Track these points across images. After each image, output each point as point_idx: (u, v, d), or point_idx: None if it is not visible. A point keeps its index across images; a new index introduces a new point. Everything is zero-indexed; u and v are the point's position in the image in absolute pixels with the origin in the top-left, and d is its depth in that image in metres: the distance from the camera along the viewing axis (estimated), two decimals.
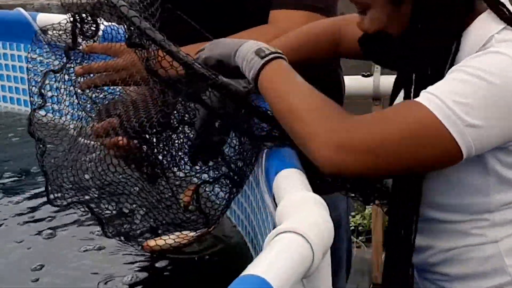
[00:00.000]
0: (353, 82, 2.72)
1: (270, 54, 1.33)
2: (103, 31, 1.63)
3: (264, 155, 1.35)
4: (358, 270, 3.38)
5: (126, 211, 1.56)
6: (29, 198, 1.96)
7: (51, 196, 1.55)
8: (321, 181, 1.42)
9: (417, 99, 1.24)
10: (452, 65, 1.27)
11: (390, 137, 1.23)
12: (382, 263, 3.26)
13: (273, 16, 1.85)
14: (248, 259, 1.63)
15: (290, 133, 1.28)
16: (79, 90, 1.59)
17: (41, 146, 1.55)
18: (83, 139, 1.56)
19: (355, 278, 3.28)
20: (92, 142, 1.53)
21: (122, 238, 1.55)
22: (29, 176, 2.14)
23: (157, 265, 1.61)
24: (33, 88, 1.60)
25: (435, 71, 1.28)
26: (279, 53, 1.35)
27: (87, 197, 1.54)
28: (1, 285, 1.56)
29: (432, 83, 1.25)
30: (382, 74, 2.84)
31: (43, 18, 2.65)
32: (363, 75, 2.89)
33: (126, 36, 1.37)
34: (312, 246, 0.96)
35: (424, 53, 1.30)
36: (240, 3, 1.90)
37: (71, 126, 1.62)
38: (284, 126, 1.29)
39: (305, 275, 0.96)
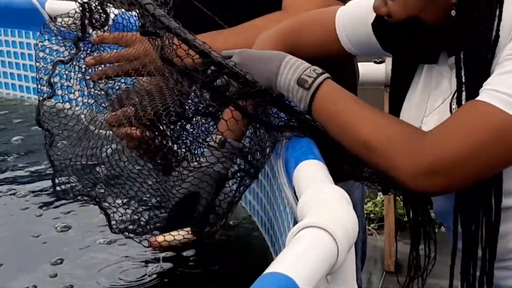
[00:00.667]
0: (365, 69, 2.67)
1: (314, 81, 1.28)
2: (113, 20, 1.59)
3: (283, 145, 1.31)
4: (370, 258, 3.37)
5: (136, 205, 1.54)
6: (39, 189, 1.94)
7: (58, 188, 1.53)
8: (338, 169, 1.39)
9: (482, 99, 1.19)
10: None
11: (473, 147, 1.19)
12: (395, 250, 3.26)
13: (287, 1, 1.81)
14: (263, 250, 1.62)
15: (369, 164, 1.29)
16: (90, 81, 1.56)
17: (49, 137, 1.53)
18: (94, 129, 1.53)
19: (368, 266, 3.26)
20: (104, 132, 1.51)
21: (129, 234, 1.53)
22: (38, 166, 2.12)
23: (172, 258, 1.58)
24: (42, 77, 1.57)
25: (484, 55, 1.23)
26: (322, 72, 1.30)
27: (95, 189, 1.52)
28: (23, 280, 1.54)
29: (484, 68, 1.22)
30: None
31: (52, 5, 2.63)
32: (375, 62, 2.85)
33: (139, 24, 1.34)
34: (337, 242, 0.93)
35: (472, 37, 1.24)
36: None
37: (82, 116, 1.59)
38: (359, 156, 1.28)
39: (330, 271, 0.93)
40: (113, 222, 1.52)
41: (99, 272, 1.57)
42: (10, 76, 2.75)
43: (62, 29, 1.61)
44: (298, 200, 1.07)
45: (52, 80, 1.53)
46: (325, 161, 1.20)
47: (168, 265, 1.57)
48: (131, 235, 1.51)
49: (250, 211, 1.78)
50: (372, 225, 3.68)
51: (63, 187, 1.52)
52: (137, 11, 1.38)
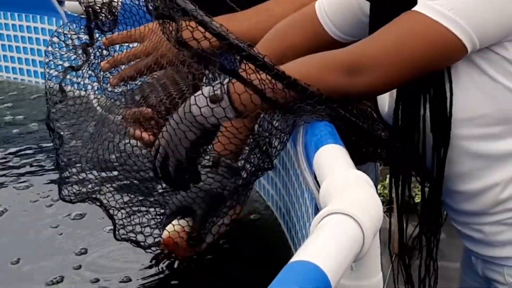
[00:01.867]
0: None
1: (221, 88, 1.27)
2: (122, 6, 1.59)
3: (301, 130, 1.29)
4: (380, 241, 3.35)
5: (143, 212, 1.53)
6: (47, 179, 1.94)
7: (63, 192, 1.51)
8: (357, 153, 1.37)
9: (412, 9, 1.23)
10: None
11: (391, 45, 1.23)
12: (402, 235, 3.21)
13: None
14: (279, 235, 1.61)
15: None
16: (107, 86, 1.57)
17: (57, 141, 1.52)
18: (107, 129, 1.52)
19: None
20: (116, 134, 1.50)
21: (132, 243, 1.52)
22: (43, 155, 2.11)
23: None
24: (50, 80, 1.56)
25: None
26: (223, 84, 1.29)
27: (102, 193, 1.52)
28: (51, 273, 1.53)
29: None
30: None
31: None
32: None
33: (153, 7, 1.32)
34: (363, 228, 0.90)
35: None
36: None
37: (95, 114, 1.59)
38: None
39: (355, 259, 0.91)
40: (118, 231, 1.52)
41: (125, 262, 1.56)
42: (18, 61, 2.73)
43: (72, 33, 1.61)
44: (319, 186, 1.05)
45: (63, 85, 1.53)
46: (345, 144, 1.18)
47: None
48: (134, 245, 1.51)
49: (265, 197, 1.76)
50: None
51: (68, 190, 1.52)
52: None
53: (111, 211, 1.52)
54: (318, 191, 1.04)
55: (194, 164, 1.38)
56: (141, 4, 1.49)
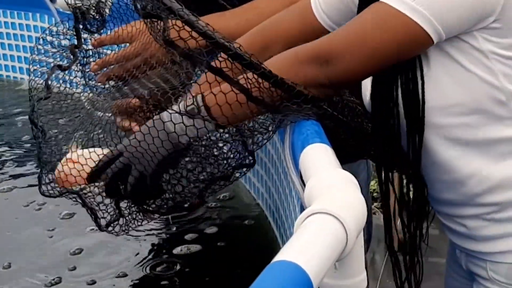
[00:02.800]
0: None
1: (195, 102, 1.28)
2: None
3: (288, 129, 1.29)
4: (374, 237, 3.33)
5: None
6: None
7: (43, 188, 1.51)
8: (345, 151, 1.37)
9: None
10: None
11: (355, 35, 1.26)
12: (399, 230, 3.25)
13: None
14: (269, 233, 1.61)
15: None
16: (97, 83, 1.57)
17: (40, 135, 1.51)
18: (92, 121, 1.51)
19: (371, 245, 3.24)
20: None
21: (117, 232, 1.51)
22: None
23: (179, 240, 1.57)
24: (37, 77, 1.56)
25: None
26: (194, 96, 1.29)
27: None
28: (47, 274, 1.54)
29: None
30: None
31: None
32: None
33: (141, 6, 1.32)
34: (346, 228, 0.91)
35: None
36: None
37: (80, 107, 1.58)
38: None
39: (338, 258, 0.91)
40: (99, 220, 1.50)
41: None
42: (10, 58, 2.72)
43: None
44: (304, 185, 1.05)
45: (49, 82, 1.52)
46: (332, 143, 1.18)
47: (177, 250, 1.56)
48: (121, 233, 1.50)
49: (254, 195, 1.76)
50: (375, 204, 3.66)
51: (48, 187, 1.51)
52: None
53: (89, 204, 1.50)
54: (304, 191, 1.04)
55: (157, 181, 1.36)
56: (129, 3, 1.50)
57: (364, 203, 0.98)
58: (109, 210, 1.44)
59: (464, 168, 1.34)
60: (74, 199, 1.48)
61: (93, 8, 1.56)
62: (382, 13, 1.24)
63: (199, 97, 1.28)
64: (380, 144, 1.39)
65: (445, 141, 1.33)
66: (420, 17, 1.21)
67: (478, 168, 1.33)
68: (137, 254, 1.57)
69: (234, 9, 1.75)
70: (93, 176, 1.37)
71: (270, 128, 1.34)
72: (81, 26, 1.56)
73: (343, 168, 1.06)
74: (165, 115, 1.30)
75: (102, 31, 1.59)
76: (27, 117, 1.57)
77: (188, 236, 1.60)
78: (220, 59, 1.24)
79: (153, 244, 1.61)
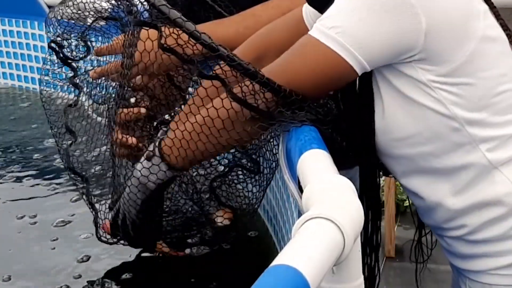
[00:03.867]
0: None
1: (154, 149, 1.34)
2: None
3: (285, 135, 1.30)
4: None
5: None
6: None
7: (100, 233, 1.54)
8: (341, 157, 1.39)
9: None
10: None
11: (282, 63, 1.30)
12: (395, 236, 3.29)
13: None
14: (266, 238, 1.62)
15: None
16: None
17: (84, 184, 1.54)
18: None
19: None
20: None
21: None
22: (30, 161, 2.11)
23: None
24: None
25: None
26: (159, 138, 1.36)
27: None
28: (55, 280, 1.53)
29: None
30: None
31: None
32: None
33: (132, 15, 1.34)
34: (343, 232, 0.92)
35: None
36: None
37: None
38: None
39: (336, 262, 0.92)
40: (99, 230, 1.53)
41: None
42: (8, 66, 2.73)
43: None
44: (302, 191, 1.06)
45: (69, 127, 1.54)
46: (329, 149, 1.19)
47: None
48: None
49: None
50: None
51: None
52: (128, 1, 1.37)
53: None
54: (301, 196, 1.05)
55: (149, 224, 1.43)
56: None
57: (361, 208, 0.99)
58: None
59: (434, 193, 1.36)
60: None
61: (79, 36, 1.59)
62: (305, 43, 1.27)
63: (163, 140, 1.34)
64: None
65: (413, 169, 1.36)
66: (341, 48, 1.23)
67: (447, 192, 1.35)
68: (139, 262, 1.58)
69: (232, 17, 1.76)
70: (113, 229, 1.48)
71: (268, 137, 1.37)
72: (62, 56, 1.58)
73: (341, 174, 1.07)
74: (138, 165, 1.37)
75: (87, 57, 1.61)
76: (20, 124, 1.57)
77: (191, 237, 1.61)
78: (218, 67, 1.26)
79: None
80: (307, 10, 1.49)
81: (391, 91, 1.30)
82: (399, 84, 1.29)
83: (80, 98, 1.56)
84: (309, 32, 1.27)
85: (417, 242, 1.59)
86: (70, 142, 1.53)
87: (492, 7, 1.35)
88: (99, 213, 1.52)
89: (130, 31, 1.37)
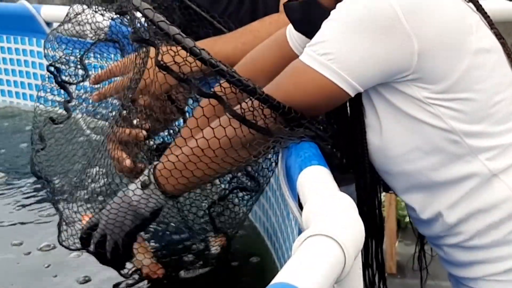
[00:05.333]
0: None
1: (149, 175, 1.35)
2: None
3: (285, 151, 1.29)
4: None
5: None
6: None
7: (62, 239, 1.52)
8: (341, 173, 1.39)
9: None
10: None
11: (271, 86, 1.31)
12: (396, 252, 3.27)
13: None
14: (266, 255, 1.60)
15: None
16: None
17: (48, 188, 1.55)
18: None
19: None
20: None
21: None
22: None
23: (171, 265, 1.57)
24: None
25: None
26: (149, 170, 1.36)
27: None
28: None
29: None
30: None
31: (47, 11, 2.61)
32: None
33: (131, 30, 1.34)
34: (344, 250, 0.91)
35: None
36: None
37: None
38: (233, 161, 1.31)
39: (337, 280, 0.91)
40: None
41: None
42: (6, 83, 2.72)
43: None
44: (302, 208, 1.05)
45: (42, 134, 1.56)
46: (329, 165, 1.19)
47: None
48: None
49: (251, 217, 1.76)
50: None
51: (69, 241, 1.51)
52: (129, 16, 1.37)
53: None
54: (301, 213, 1.05)
55: (130, 249, 1.44)
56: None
57: (362, 225, 0.98)
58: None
59: (432, 206, 1.36)
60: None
61: (77, 60, 1.60)
62: (297, 70, 1.28)
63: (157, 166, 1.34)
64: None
65: (410, 186, 1.37)
66: (334, 74, 1.24)
67: (444, 205, 1.35)
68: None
69: (230, 33, 1.77)
70: (83, 242, 1.45)
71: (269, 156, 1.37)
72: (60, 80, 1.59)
73: (342, 190, 1.06)
74: (131, 186, 1.37)
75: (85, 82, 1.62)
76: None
77: (186, 258, 1.59)
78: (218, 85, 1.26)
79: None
80: (292, 33, 1.49)
81: (387, 108, 1.30)
82: (395, 100, 1.29)
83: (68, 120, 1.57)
84: (300, 58, 1.27)
85: (418, 253, 1.58)
86: (39, 147, 1.54)
87: (484, 15, 1.35)
88: (62, 217, 1.51)
89: (138, 52, 1.38)
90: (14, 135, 2.47)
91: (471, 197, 1.32)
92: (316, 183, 1.09)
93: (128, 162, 1.45)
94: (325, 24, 1.26)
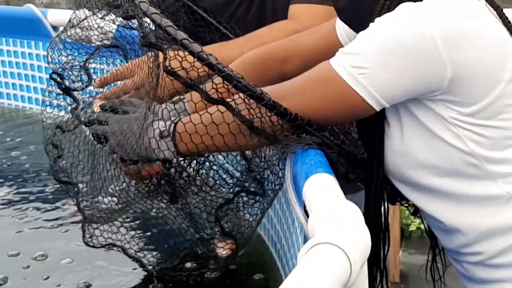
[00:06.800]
0: None
1: (170, 126, 1.34)
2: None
3: (291, 158, 1.29)
4: None
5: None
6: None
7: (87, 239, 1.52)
8: (347, 181, 1.38)
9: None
10: None
11: (298, 86, 1.30)
12: (400, 261, 3.27)
13: (293, 10, 1.80)
14: (271, 265, 1.60)
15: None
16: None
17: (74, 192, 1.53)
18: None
19: None
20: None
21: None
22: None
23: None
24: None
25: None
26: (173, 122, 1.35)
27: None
28: None
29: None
30: None
31: (54, 16, 2.61)
32: None
33: (140, 34, 1.33)
34: (350, 259, 0.90)
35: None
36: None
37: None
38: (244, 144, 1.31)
39: None
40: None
41: None
42: (12, 87, 2.73)
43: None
44: (308, 216, 1.04)
45: (55, 143, 1.53)
46: (335, 173, 1.18)
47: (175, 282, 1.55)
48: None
49: None
50: None
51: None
52: (138, 21, 1.37)
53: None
54: (307, 221, 1.04)
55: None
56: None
57: (368, 233, 0.97)
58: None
59: (447, 220, 1.35)
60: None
61: (81, 66, 1.60)
62: (327, 76, 1.27)
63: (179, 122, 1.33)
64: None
65: (428, 197, 1.35)
66: (362, 89, 1.23)
67: (462, 222, 1.34)
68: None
69: (237, 39, 1.76)
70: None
71: (277, 161, 1.36)
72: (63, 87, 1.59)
73: (347, 198, 1.05)
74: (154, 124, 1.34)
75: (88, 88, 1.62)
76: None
77: (188, 265, 1.58)
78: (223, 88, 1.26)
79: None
80: (341, 24, 1.50)
81: (412, 122, 1.30)
82: (419, 113, 1.29)
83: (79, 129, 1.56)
84: (331, 63, 1.26)
85: (431, 263, 1.57)
86: (57, 156, 1.52)
87: None
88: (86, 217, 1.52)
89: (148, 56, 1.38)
90: (5, 138, 2.46)
91: (491, 215, 1.31)
92: (323, 190, 1.08)
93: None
94: (363, 37, 1.26)
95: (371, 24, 1.27)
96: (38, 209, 1.89)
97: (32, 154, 2.27)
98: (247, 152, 1.48)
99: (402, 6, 1.25)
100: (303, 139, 1.29)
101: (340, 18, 1.46)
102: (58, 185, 1.66)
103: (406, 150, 1.32)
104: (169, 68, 1.25)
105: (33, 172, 2.15)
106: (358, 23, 1.31)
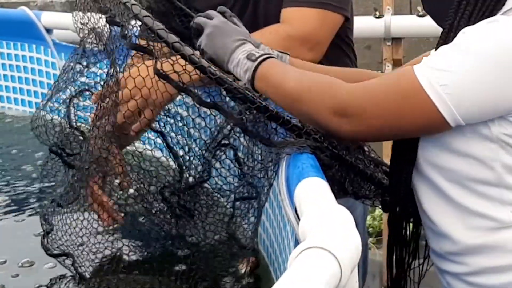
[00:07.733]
0: (364, 23, 2.83)
1: (260, 56, 1.35)
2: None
3: (283, 162, 1.29)
4: (369, 273, 3.31)
5: None
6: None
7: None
8: (339, 187, 1.38)
9: (413, 67, 1.27)
10: None
11: (378, 99, 1.27)
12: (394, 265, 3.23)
13: (285, 14, 1.80)
14: (262, 267, 1.59)
15: (296, 115, 1.33)
16: None
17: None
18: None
19: (366, 281, 3.22)
20: None
21: None
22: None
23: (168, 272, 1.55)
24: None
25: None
26: (269, 54, 1.38)
27: None
28: None
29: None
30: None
31: (48, 18, 2.61)
32: (375, 16, 2.92)
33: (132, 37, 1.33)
34: (340, 263, 0.90)
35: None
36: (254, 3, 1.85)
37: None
38: (290, 112, 1.32)
39: None
40: None
41: None
42: (5, 89, 2.72)
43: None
44: (299, 219, 1.04)
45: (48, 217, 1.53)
46: (327, 177, 1.18)
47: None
48: None
49: None
50: (370, 239, 3.64)
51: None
52: (121, 23, 1.36)
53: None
54: (298, 224, 1.04)
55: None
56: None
57: (359, 238, 0.97)
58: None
59: (443, 224, 1.35)
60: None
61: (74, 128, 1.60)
62: (407, 86, 1.25)
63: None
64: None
65: (434, 195, 1.35)
66: (443, 105, 1.22)
67: (455, 229, 1.34)
68: None
69: None
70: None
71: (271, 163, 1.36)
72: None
73: (339, 203, 1.05)
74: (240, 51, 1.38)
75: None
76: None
77: (178, 267, 1.58)
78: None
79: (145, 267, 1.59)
80: None
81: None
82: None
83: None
84: (417, 74, 1.24)
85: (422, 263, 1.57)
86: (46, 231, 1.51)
87: None
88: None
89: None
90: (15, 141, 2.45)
91: (487, 231, 1.31)
92: (314, 194, 1.08)
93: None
94: (452, 51, 1.24)
95: (459, 37, 1.25)
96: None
97: (16, 158, 2.26)
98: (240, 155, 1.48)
99: (493, 22, 1.23)
100: (298, 142, 1.29)
101: (424, 9, 1.46)
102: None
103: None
104: (160, 71, 1.25)
105: (16, 178, 2.13)
106: (439, 15, 1.31)
